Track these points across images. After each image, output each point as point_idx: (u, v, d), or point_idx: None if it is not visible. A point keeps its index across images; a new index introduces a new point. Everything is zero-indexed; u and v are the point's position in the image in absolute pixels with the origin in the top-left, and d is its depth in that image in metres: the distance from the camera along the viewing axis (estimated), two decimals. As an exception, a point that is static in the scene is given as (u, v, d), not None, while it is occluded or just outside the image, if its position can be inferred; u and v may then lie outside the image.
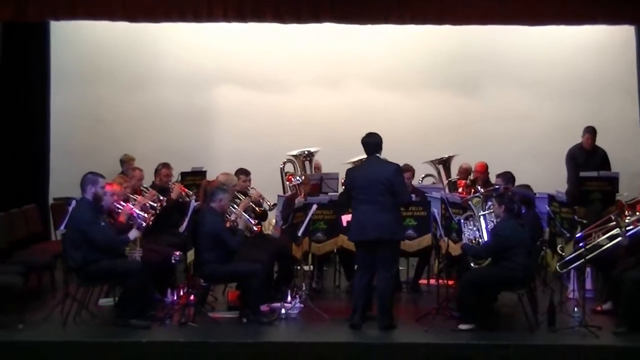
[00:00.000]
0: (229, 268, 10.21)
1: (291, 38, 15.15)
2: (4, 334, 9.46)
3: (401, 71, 15.51)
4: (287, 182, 13.00)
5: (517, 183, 11.48)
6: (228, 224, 10.58)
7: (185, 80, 15.42)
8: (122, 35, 14.99)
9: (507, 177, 11.58)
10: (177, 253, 10.41)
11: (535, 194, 11.14)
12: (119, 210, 10.36)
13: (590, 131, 13.56)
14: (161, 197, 11.25)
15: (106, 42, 15.17)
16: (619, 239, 10.10)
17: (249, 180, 11.80)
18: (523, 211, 10.27)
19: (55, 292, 11.30)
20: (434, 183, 13.83)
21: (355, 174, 10.09)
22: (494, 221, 10.13)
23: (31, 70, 14.10)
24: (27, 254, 11.53)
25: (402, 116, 15.45)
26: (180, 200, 11.57)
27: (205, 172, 12.84)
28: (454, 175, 13.82)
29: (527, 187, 11.27)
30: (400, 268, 12.03)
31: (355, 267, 10.34)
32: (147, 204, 10.84)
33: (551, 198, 10.82)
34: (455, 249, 10.41)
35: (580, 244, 10.16)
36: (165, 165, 12.01)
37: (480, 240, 10.15)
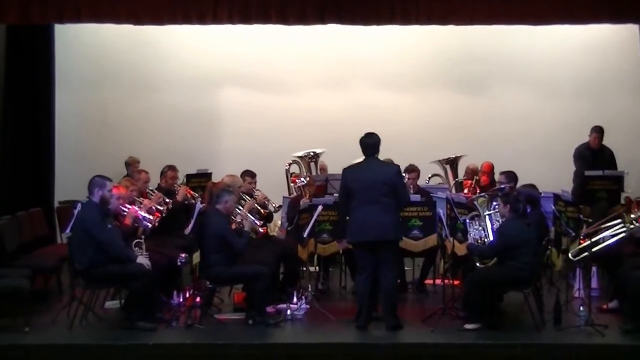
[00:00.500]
0: (234, 270, 10.25)
1: (296, 39, 15.19)
2: (11, 337, 9.50)
3: (406, 72, 15.53)
4: (292, 184, 13.02)
5: (522, 182, 11.51)
6: (234, 226, 10.63)
7: (190, 82, 15.45)
8: (127, 38, 15.02)
9: (510, 175, 11.63)
10: (183, 255, 10.38)
11: (540, 193, 11.17)
12: (125, 213, 10.41)
13: (598, 130, 13.59)
14: (167, 200, 11.25)
15: (111, 44, 15.22)
16: (624, 232, 10.11)
17: (255, 182, 11.84)
18: (528, 211, 10.30)
19: (61, 296, 11.34)
20: (440, 183, 13.85)
21: (354, 174, 9.97)
22: (500, 221, 10.15)
23: (36, 73, 14.16)
24: (34, 257, 11.55)
25: (407, 117, 15.49)
26: (186, 202, 11.60)
27: (210, 174, 12.85)
28: (461, 175, 13.85)
29: (533, 186, 11.29)
30: (406, 268, 12.13)
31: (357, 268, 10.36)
32: (153, 207, 10.88)
33: (556, 197, 10.88)
34: (460, 249, 10.41)
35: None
36: (171, 168, 12.02)
37: (485, 240, 10.18)
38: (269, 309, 10.34)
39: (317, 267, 12.09)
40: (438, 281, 11.78)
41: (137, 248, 10.11)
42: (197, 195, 11.74)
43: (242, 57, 15.41)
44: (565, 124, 15.04)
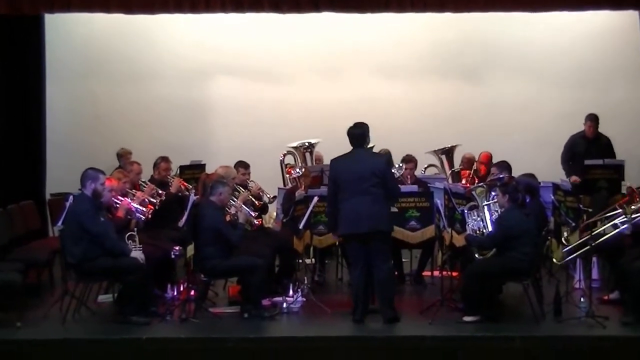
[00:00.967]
0: (229, 262, 10.22)
1: (290, 29, 15.15)
2: (3, 332, 9.46)
3: (402, 61, 15.49)
4: (287, 175, 12.98)
5: (521, 173, 11.47)
6: (228, 218, 10.59)
7: (183, 73, 15.41)
8: (118, 28, 14.98)
9: (503, 165, 11.66)
10: (177, 248, 10.40)
11: (539, 183, 11.12)
12: (117, 206, 10.38)
13: (592, 119, 13.50)
14: (160, 192, 11.24)
15: (102, 35, 15.17)
16: (624, 226, 10.11)
17: (249, 173, 11.84)
18: (527, 200, 10.26)
19: (54, 289, 11.35)
20: (436, 173, 13.82)
21: (342, 165, 9.89)
22: (498, 211, 10.12)
23: (26, 65, 14.09)
24: (26, 251, 11.54)
25: (404, 106, 15.47)
26: (180, 194, 11.58)
27: (204, 165, 12.85)
28: (457, 165, 13.83)
29: (532, 176, 11.26)
30: (403, 260, 12.13)
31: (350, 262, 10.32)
32: (146, 199, 10.85)
33: (556, 187, 10.86)
34: (459, 240, 10.38)
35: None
36: (164, 159, 12.00)
37: (484, 231, 10.14)
38: (265, 302, 10.33)
39: (313, 259, 12.05)
40: (436, 273, 11.78)
41: (130, 241, 10.08)
42: (190, 187, 11.72)
43: (235, 47, 15.38)
44: (564, 113, 14.96)
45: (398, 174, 11.96)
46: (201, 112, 15.53)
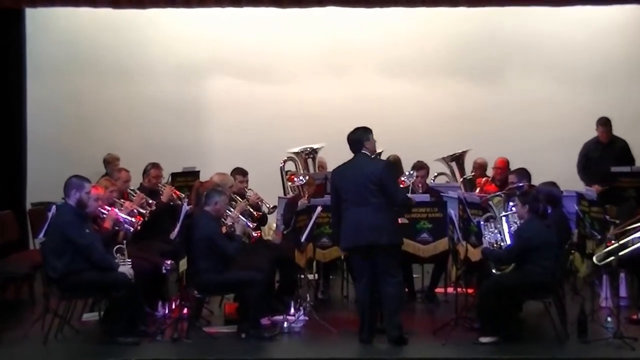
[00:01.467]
0: (225, 277, 10.17)
1: (291, 24, 15.19)
2: (-22, 353, 9.46)
3: (411, 58, 15.54)
4: (289, 183, 12.94)
5: (542, 179, 11.37)
6: (224, 230, 10.57)
7: (175, 71, 15.45)
8: (105, 23, 14.98)
9: (522, 173, 11.60)
10: (169, 262, 10.41)
11: (562, 192, 11.05)
12: (104, 216, 10.31)
13: (603, 123, 13.40)
14: (150, 201, 11.22)
15: (87, 29, 15.20)
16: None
17: (246, 181, 11.79)
18: (549, 211, 10.20)
19: (34, 306, 11.30)
20: (447, 182, 13.78)
21: (341, 173, 9.90)
22: (517, 223, 10.05)
23: (5, 60, 14.01)
24: (4, 264, 11.54)
25: (413, 107, 15.52)
26: (172, 203, 11.55)
27: (198, 172, 12.87)
28: (468, 172, 13.77)
29: (553, 184, 11.18)
30: (414, 276, 12.10)
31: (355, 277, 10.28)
32: (135, 209, 10.79)
33: (580, 196, 10.79)
34: (474, 254, 10.36)
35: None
36: (155, 166, 11.95)
37: (502, 244, 10.06)
38: (264, 321, 10.30)
39: (317, 275, 12.07)
40: (450, 289, 11.76)
41: (118, 255, 10.04)
42: (183, 195, 11.72)
43: (232, 44, 15.44)
44: (586, 114, 14.80)
45: (408, 182, 11.89)
46: (195, 113, 15.55)
